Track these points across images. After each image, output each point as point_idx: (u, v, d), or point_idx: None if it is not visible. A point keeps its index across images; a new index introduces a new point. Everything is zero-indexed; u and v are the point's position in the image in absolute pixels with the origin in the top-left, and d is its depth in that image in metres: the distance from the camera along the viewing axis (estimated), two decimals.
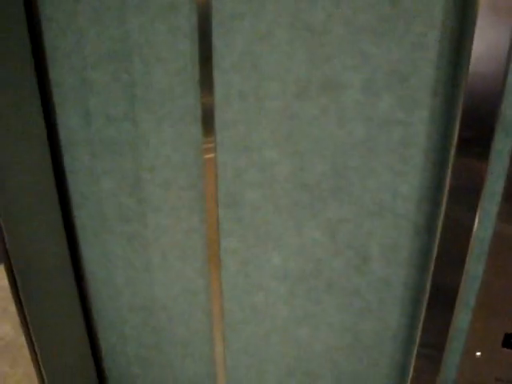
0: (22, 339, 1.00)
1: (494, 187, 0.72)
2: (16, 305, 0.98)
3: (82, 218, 1.10)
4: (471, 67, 0.64)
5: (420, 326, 0.81)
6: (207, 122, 0.87)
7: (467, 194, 0.71)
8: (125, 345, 1.24)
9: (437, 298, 0.78)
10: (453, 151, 0.71)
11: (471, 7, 0.66)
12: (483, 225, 0.74)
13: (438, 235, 0.75)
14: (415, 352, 0.83)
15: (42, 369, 1.03)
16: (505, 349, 0.78)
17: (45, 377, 1.05)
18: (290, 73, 0.80)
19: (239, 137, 0.87)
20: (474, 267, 0.77)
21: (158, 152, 0.95)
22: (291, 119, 0.83)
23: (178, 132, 0.91)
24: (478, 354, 0.79)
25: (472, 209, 0.71)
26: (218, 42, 0.82)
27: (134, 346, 1.23)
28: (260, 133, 0.85)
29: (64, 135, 1.03)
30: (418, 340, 0.82)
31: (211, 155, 0.89)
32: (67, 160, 1.05)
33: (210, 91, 0.85)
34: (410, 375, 0.86)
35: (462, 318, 0.81)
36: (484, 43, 0.63)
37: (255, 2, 0.78)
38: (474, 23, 0.63)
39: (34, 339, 1.01)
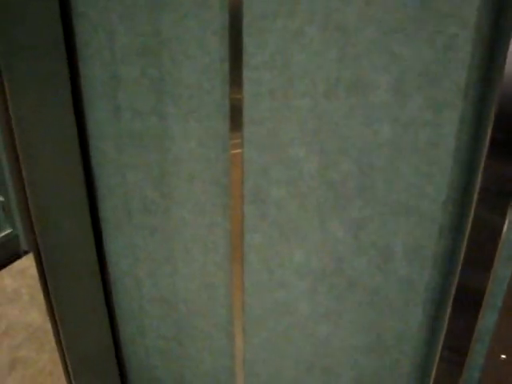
0: (48, 326, 1.03)
1: None
2: (43, 292, 1.01)
3: (107, 210, 1.13)
4: (507, 68, 0.64)
5: (444, 327, 0.81)
6: (235, 118, 0.88)
7: (497, 196, 0.70)
8: (144, 336, 1.27)
9: (463, 299, 0.78)
10: (484, 153, 0.71)
11: (508, 8, 0.66)
12: None
13: (467, 236, 0.75)
14: (438, 353, 0.83)
15: (66, 355, 1.06)
16: None
17: (68, 363, 1.07)
18: (319, 72, 0.81)
19: (267, 133, 0.88)
20: (502, 269, 0.76)
21: (183, 146, 0.97)
22: (319, 118, 0.84)
23: (205, 127, 0.93)
24: (503, 356, 0.79)
25: (502, 211, 0.70)
26: (248, 40, 0.83)
27: (153, 337, 1.25)
28: (287, 130, 0.86)
29: (92, 128, 1.05)
30: (441, 341, 0.82)
31: (238, 151, 0.90)
32: (94, 153, 1.07)
33: (239, 88, 0.86)
34: (433, 376, 0.86)
35: (488, 320, 0.81)
36: None
37: (287, 2, 0.78)
38: (511, 25, 0.63)
39: (59, 326, 1.04)
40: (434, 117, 0.79)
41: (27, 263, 0.98)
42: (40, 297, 1.01)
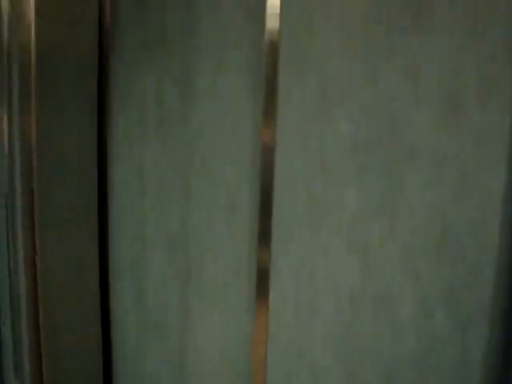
0: None
1: None
2: None
3: None
4: None
5: None
6: (260, 315, 0.88)
7: None
8: None
9: None
10: None
11: None
12: None
13: None
14: None
15: None
16: None
17: None
18: (344, 284, 0.83)
19: (292, 341, 0.88)
20: None
21: (206, 337, 0.96)
22: (344, 328, 0.84)
23: (228, 320, 0.93)
24: None
25: None
26: (276, 252, 0.86)
27: None
28: (313, 338, 0.86)
29: (115, 313, 1.06)
30: None
31: (262, 355, 0.89)
32: (115, 338, 1.07)
33: (264, 294, 0.87)
34: None
35: None
36: None
37: (314, 213, 0.82)
38: None
39: None
40: (459, 334, 0.79)
41: None
42: None
